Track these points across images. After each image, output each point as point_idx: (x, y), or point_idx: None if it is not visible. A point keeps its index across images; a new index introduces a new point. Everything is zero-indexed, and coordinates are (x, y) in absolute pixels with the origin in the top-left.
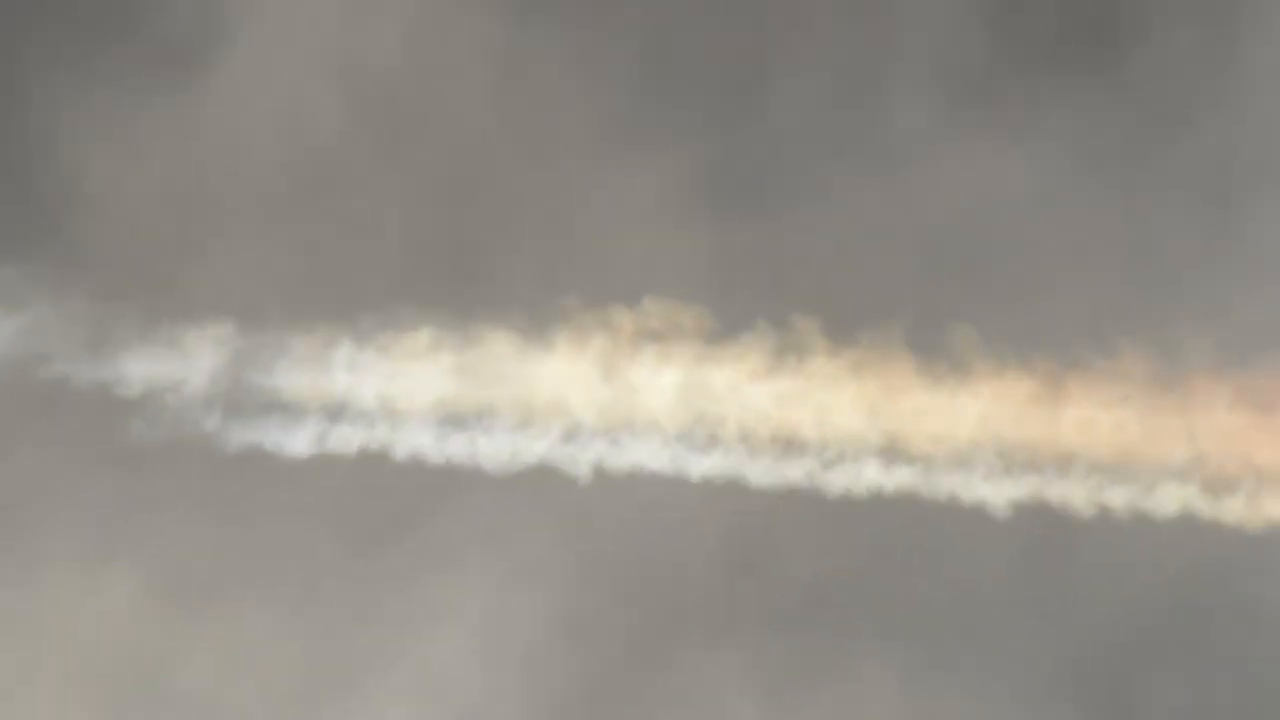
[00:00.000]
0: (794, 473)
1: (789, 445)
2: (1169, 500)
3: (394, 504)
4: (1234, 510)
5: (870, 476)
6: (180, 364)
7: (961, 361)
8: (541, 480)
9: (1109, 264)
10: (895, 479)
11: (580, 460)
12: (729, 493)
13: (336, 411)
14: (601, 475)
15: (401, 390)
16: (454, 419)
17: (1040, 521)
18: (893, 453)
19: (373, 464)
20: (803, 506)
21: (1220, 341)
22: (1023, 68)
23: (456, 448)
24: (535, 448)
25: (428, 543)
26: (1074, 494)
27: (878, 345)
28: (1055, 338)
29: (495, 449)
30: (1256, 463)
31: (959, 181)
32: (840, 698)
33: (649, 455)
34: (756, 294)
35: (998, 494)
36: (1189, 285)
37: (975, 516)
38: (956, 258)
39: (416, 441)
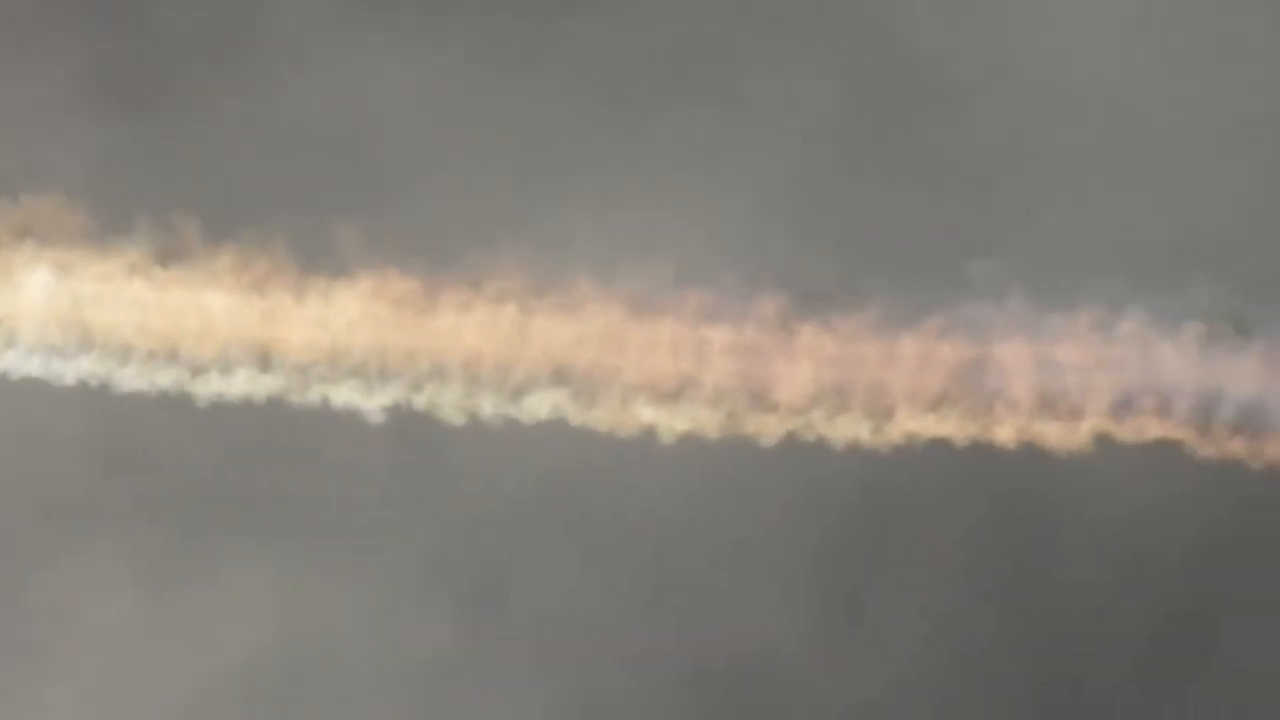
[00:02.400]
0: (169, 376)
1: (165, 348)
2: (540, 405)
3: None
4: (605, 416)
5: (244, 380)
6: None
7: (341, 265)
8: None
9: (496, 164)
10: (269, 383)
11: None
12: (103, 395)
13: None
14: None
15: None
16: None
17: (413, 425)
18: (268, 357)
19: None
20: (178, 409)
21: (601, 245)
22: None
23: None
24: None
25: None
26: (447, 398)
27: (258, 247)
28: (435, 240)
29: None
30: (627, 368)
31: (347, 80)
32: (217, 589)
33: (22, 359)
34: (139, 193)
35: (371, 399)
36: (574, 187)
37: (349, 421)
38: (341, 157)
39: None
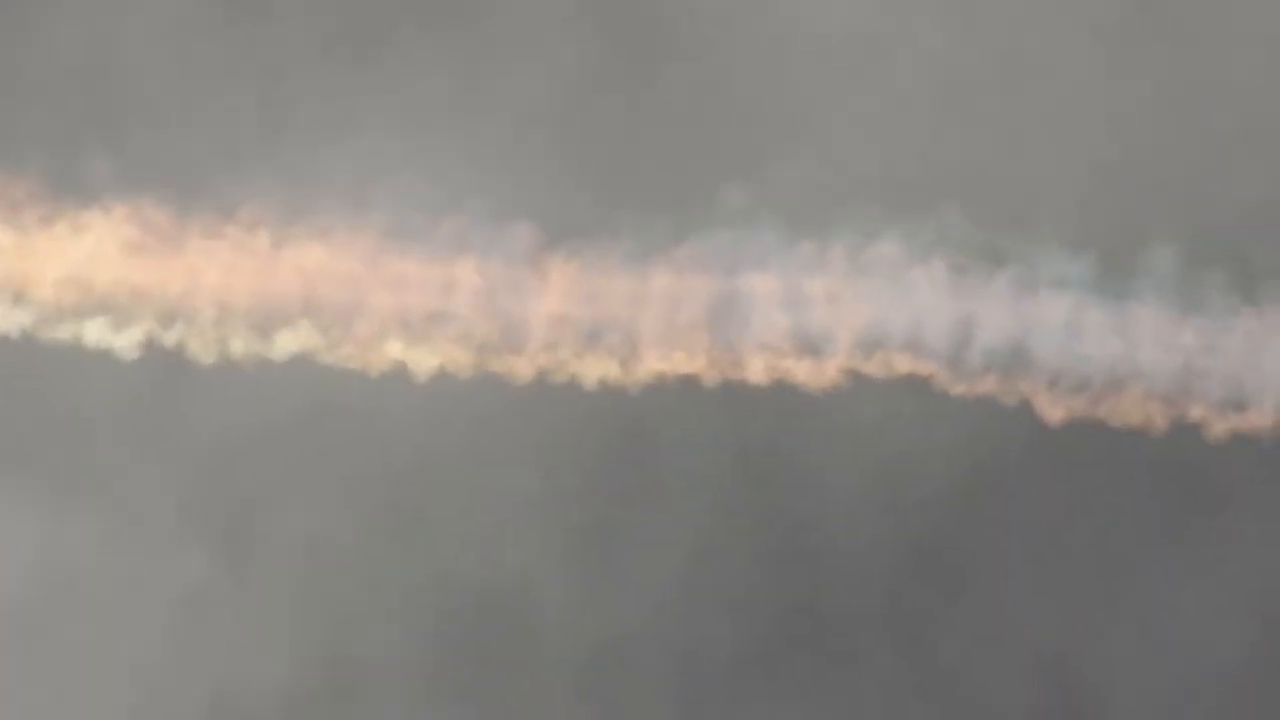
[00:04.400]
0: None
1: None
2: (291, 341)
3: None
4: (356, 352)
5: None
6: None
7: (93, 195)
8: None
9: (248, 92)
10: (20, 318)
11: None
12: None
13: None
14: None
15: None
16: None
17: (165, 361)
18: (21, 291)
19: None
20: None
21: (352, 173)
22: None
23: None
24: None
25: None
26: (197, 335)
27: (10, 177)
28: (186, 169)
29: None
30: (378, 302)
31: (97, 11)
32: None
33: None
34: None
35: (122, 336)
36: (325, 116)
37: (100, 356)
38: (91, 88)
39: None
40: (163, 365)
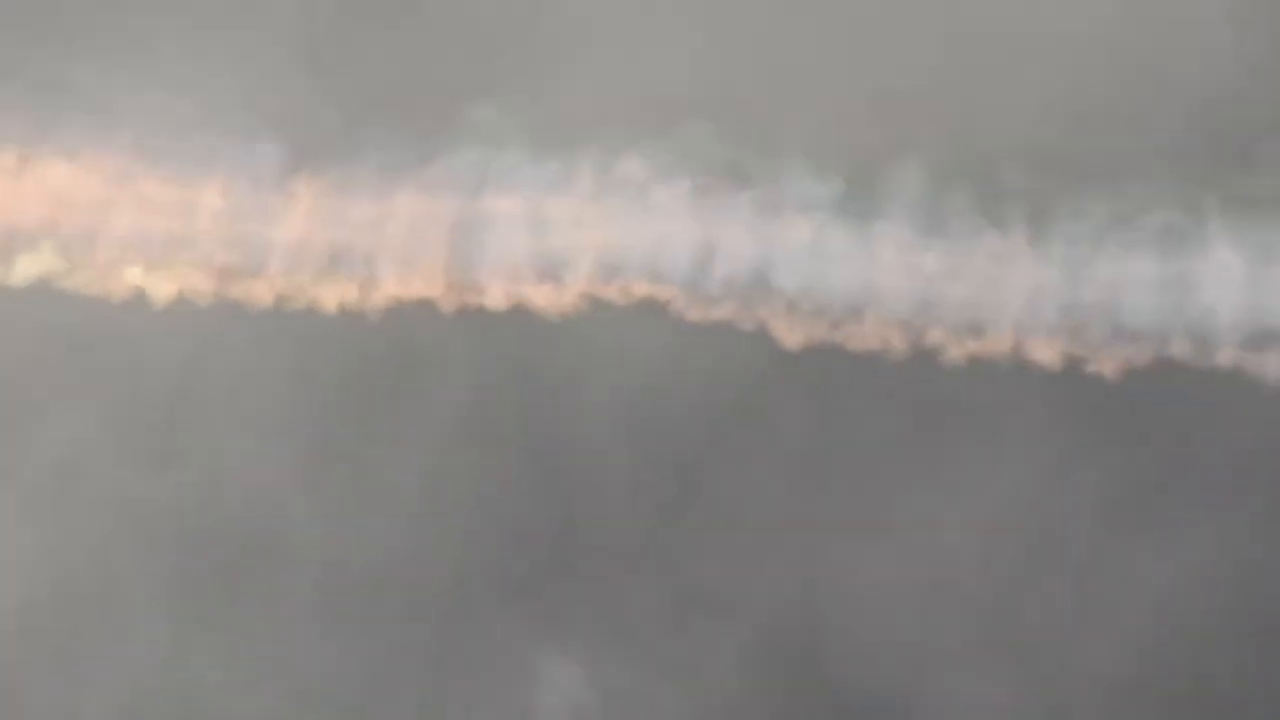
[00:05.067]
0: None
1: None
2: (28, 268)
3: None
4: (95, 278)
5: None
6: None
7: None
8: None
9: None
10: None
11: None
12: None
13: None
14: None
15: None
16: None
17: None
18: None
19: None
20: None
21: (98, 90)
22: None
23: None
24: None
25: None
26: None
27: None
28: None
29: None
30: (119, 225)
31: None
32: None
33: None
34: None
35: None
36: (72, 29)
37: None
38: None
39: None
40: None
